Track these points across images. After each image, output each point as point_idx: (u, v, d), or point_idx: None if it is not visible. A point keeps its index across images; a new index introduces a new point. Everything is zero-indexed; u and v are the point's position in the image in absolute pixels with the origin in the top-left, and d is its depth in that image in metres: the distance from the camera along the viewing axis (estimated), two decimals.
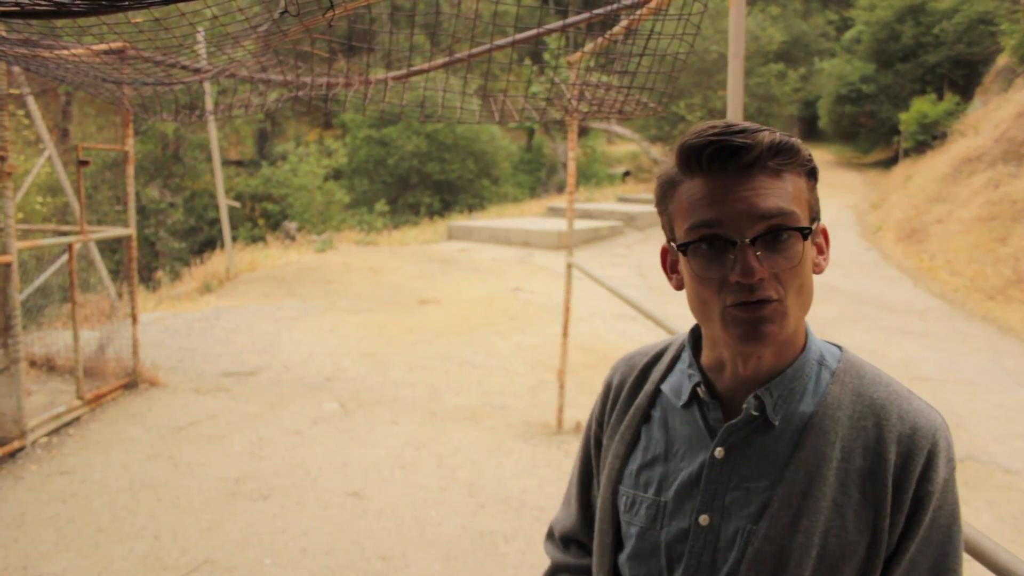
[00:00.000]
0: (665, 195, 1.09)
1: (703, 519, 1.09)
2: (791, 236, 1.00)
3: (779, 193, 1.00)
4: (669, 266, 1.15)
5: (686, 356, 1.19)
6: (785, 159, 1.01)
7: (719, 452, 1.09)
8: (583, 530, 1.37)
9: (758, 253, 0.98)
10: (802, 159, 1.03)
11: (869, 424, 1.05)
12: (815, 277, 1.08)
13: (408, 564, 3.87)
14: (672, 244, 1.10)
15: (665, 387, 1.21)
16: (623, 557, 1.20)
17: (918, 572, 1.03)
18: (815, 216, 1.06)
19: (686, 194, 1.04)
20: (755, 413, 1.08)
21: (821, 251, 1.10)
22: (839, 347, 1.16)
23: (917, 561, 1.03)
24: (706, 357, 1.15)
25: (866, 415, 1.05)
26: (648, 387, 1.23)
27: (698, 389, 1.14)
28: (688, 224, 1.03)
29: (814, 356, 1.12)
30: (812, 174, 1.06)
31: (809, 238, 1.03)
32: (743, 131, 0.99)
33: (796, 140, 1.02)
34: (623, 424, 1.24)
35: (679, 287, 1.11)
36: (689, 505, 1.11)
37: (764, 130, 1.00)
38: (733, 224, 0.99)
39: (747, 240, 0.98)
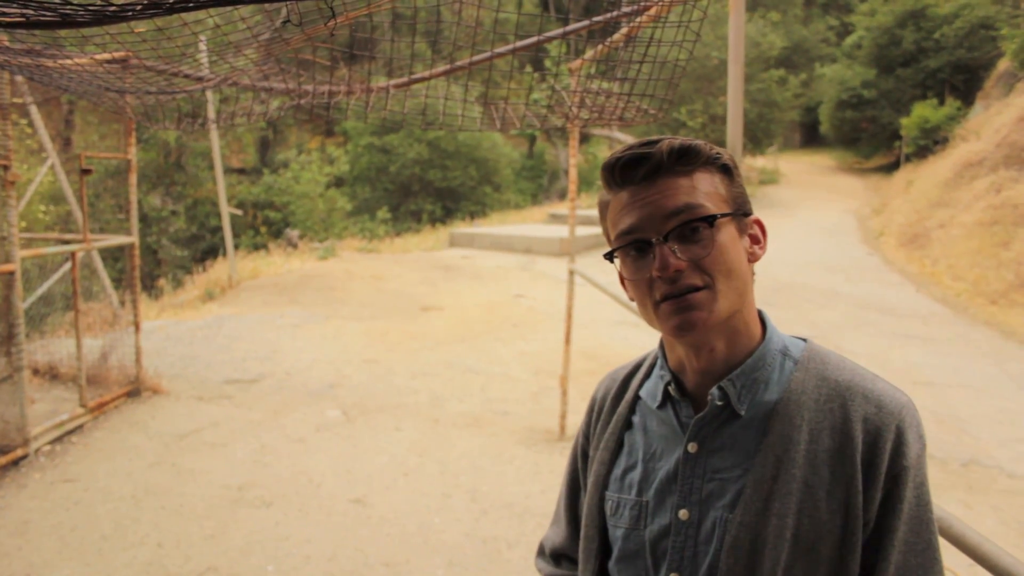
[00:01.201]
0: (602, 216, 1.19)
1: (682, 513, 1.12)
2: (701, 226, 1.07)
3: (685, 191, 1.08)
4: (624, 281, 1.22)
5: (659, 361, 1.24)
6: (688, 161, 1.09)
7: (692, 447, 1.13)
8: (573, 545, 1.39)
9: (674, 247, 1.06)
10: (706, 157, 1.10)
11: (835, 406, 1.08)
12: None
13: (411, 571, 3.87)
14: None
15: (643, 392, 1.26)
16: (612, 562, 1.23)
17: (915, 551, 1.04)
18: (739, 208, 1.13)
19: (613, 208, 1.14)
20: (719, 403, 1.12)
21: (757, 241, 1.16)
22: (804, 339, 1.20)
23: (911, 542, 1.04)
24: (671, 358, 1.20)
25: (832, 397, 1.08)
26: (628, 395, 1.28)
27: (669, 388, 1.18)
28: (615, 233, 1.13)
29: (776, 347, 1.16)
30: (726, 170, 1.13)
31: (735, 227, 1.11)
32: (647, 143, 1.09)
33: (698, 142, 1.10)
34: (607, 433, 1.29)
35: (633, 297, 1.18)
36: (669, 501, 1.14)
37: (667, 139, 1.09)
38: (649, 226, 1.08)
39: (661, 237, 1.06)
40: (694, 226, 1.06)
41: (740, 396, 1.11)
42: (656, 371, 1.25)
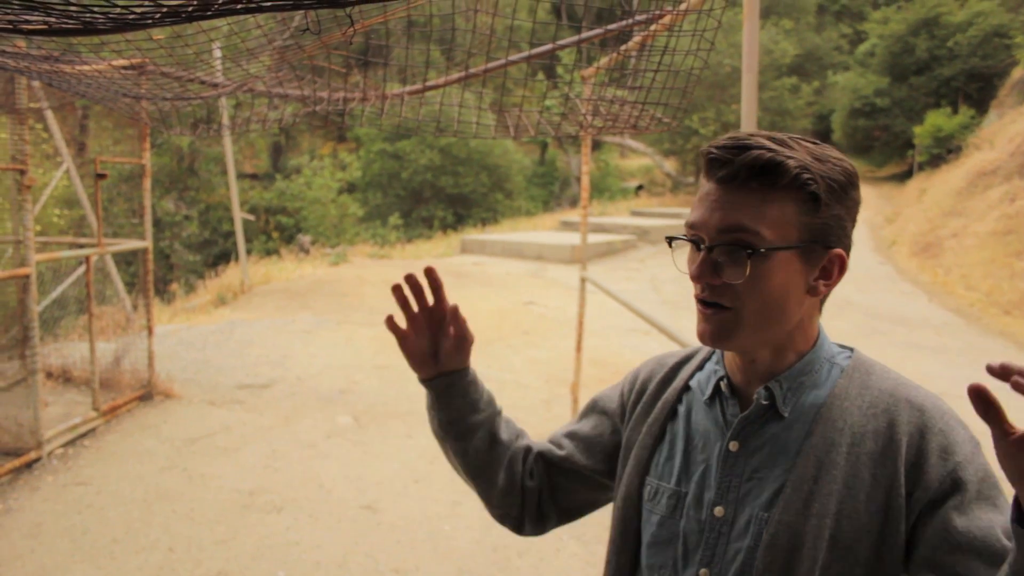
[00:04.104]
0: None
1: (718, 511, 1.13)
2: (743, 253, 1.04)
3: (749, 212, 1.04)
4: None
5: (716, 354, 1.25)
6: (766, 180, 1.04)
7: (733, 445, 1.14)
8: (559, 439, 1.42)
9: (719, 260, 1.06)
10: (791, 180, 1.03)
11: (878, 411, 1.08)
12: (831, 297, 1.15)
13: None
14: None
15: (693, 383, 1.27)
16: (643, 546, 1.24)
17: (974, 545, 0.97)
18: (811, 240, 1.07)
19: (698, 194, 1.13)
20: (765, 403, 1.12)
21: (827, 275, 1.11)
22: (852, 349, 1.20)
23: (972, 534, 0.97)
24: (726, 354, 1.22)
25: (876, 403, 1.09)
26: (677, 383, 1.29)
27: (720, 383, 1.19)
28: (686, 221, 1.12)
29: (825, 355, 1.16)
30: (813, 197, 1.05)
31: (800, 258, 1.06)
32: (737, 147, 1.04)
33: (788, 162, 1.02)
34: (651, 417, 1.28)
35: None
36: (706, 497, 1.15)
37: (756, 149, 1.03)
38: (704, 229, 1.08)
39: (707, 246, 1.06)
40: (738, 250, 1.04)
41: (785, 398, 1.12)
42: (711, 364, 1.25)
